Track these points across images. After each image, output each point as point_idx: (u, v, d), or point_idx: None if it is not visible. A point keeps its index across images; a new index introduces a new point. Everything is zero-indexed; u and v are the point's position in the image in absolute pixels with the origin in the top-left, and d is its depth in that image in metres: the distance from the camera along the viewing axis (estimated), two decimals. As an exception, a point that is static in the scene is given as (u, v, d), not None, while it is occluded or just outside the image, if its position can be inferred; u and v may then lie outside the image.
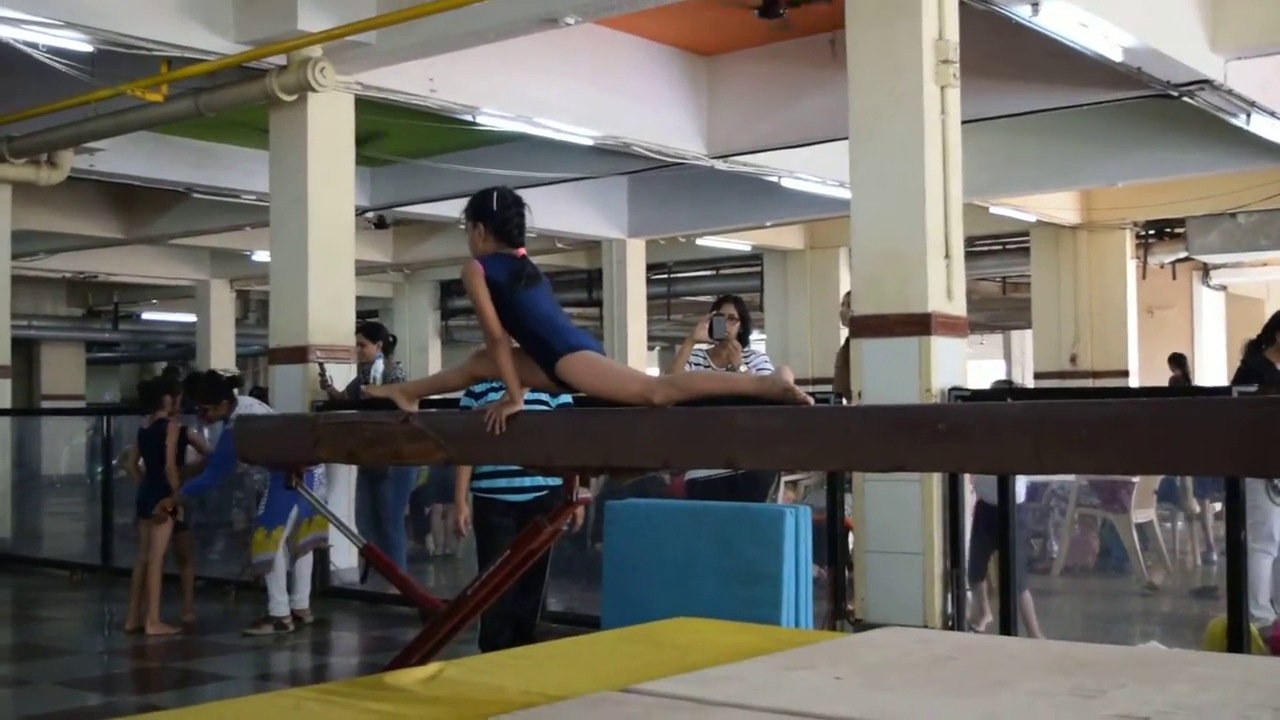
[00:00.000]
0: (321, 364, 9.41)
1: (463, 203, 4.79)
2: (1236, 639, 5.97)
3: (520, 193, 4.73)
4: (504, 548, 4.81)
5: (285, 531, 8.45)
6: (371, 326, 10.43)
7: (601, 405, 4.37)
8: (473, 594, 4.63)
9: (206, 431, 9.95)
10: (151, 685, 7.64)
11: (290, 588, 8.64)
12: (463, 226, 4.71)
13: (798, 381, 4.01)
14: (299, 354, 9.62)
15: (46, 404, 24.59)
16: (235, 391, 8.94)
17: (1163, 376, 16.31)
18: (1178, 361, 15.91)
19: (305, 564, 8.78)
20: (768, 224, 17.73)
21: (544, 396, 5.56)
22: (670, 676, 2.78)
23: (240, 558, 9.45)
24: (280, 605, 8.52)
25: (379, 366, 9.83)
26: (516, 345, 4.44)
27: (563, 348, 4.31)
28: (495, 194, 4.63)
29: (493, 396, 4.73)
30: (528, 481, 6.15)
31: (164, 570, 8.64)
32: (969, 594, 7.30)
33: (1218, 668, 2.80)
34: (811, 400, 4.05)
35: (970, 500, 7.34)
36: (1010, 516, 6.74)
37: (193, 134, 13.12)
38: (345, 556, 9.64)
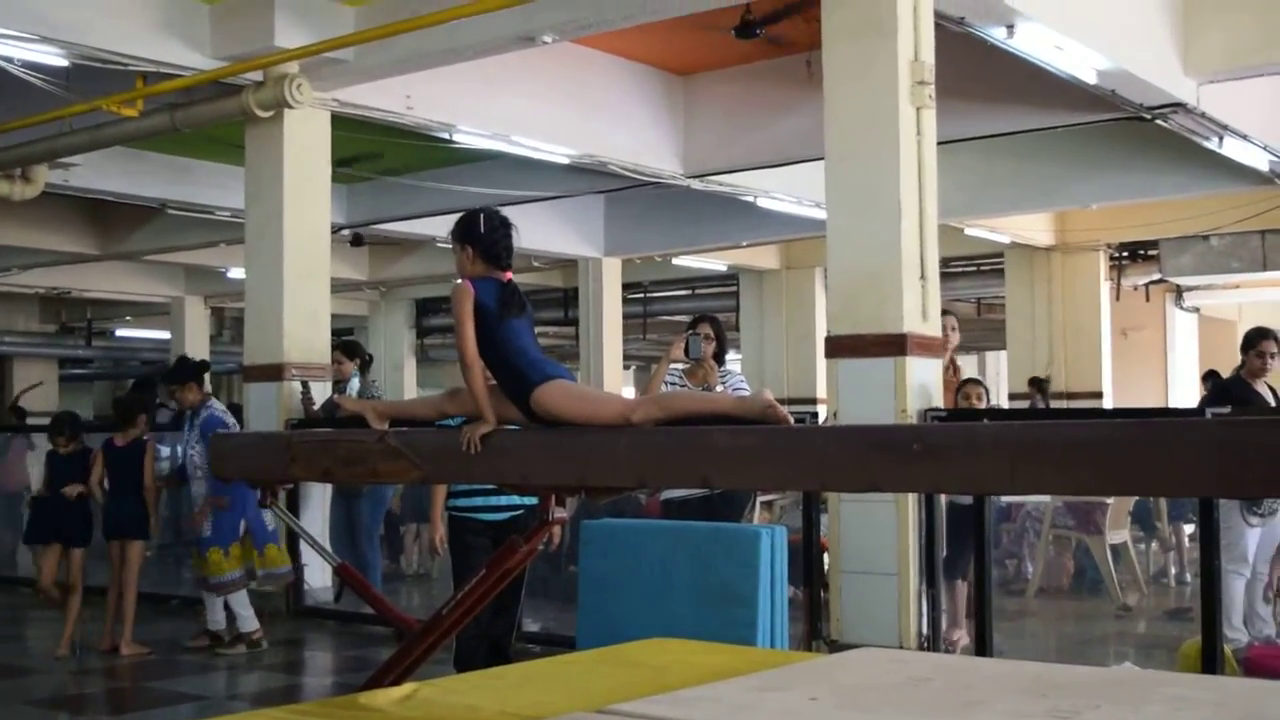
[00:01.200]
0: (304, 381, 9.36)
1: (438, 221, 4.81)
2: (1210, 660, 5.99)
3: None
4: (480, 567, 4.80)
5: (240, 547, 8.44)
6: (349, 344, 10.40)
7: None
8: (448, 614, 4.62)
9: (165, 450, 9.94)
10: (125, 705, 7.60)
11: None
12: (439, 244, 4.71)
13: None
14: (274, 372, 9.58)
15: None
16: (206, 378, 8.90)
17: (1139, 399, 16.35)
18: (1035, 384, 15.91)
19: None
20: (744, 244, 17.76)
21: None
22: (646, 697, 2.77)
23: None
24: (248, 621, 8.49)
25: (354, 385, 9.79)
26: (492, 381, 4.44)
27: (538, 378, 4.30)
28: (482, 215, 4.64)
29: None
30: (504, 501, 6.14)
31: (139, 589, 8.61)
32: (943, 595, 7.29)
33: (1192, 689, 2.81)
34: (791, 419, 4.06)
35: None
36: (985, 529, 6.74)
37: (168, 149, 13.08)
38: (319, 575, 9.60)
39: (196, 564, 8.66)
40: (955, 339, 8.05)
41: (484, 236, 4.59)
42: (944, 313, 7.75)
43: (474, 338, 4.38)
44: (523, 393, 4.31)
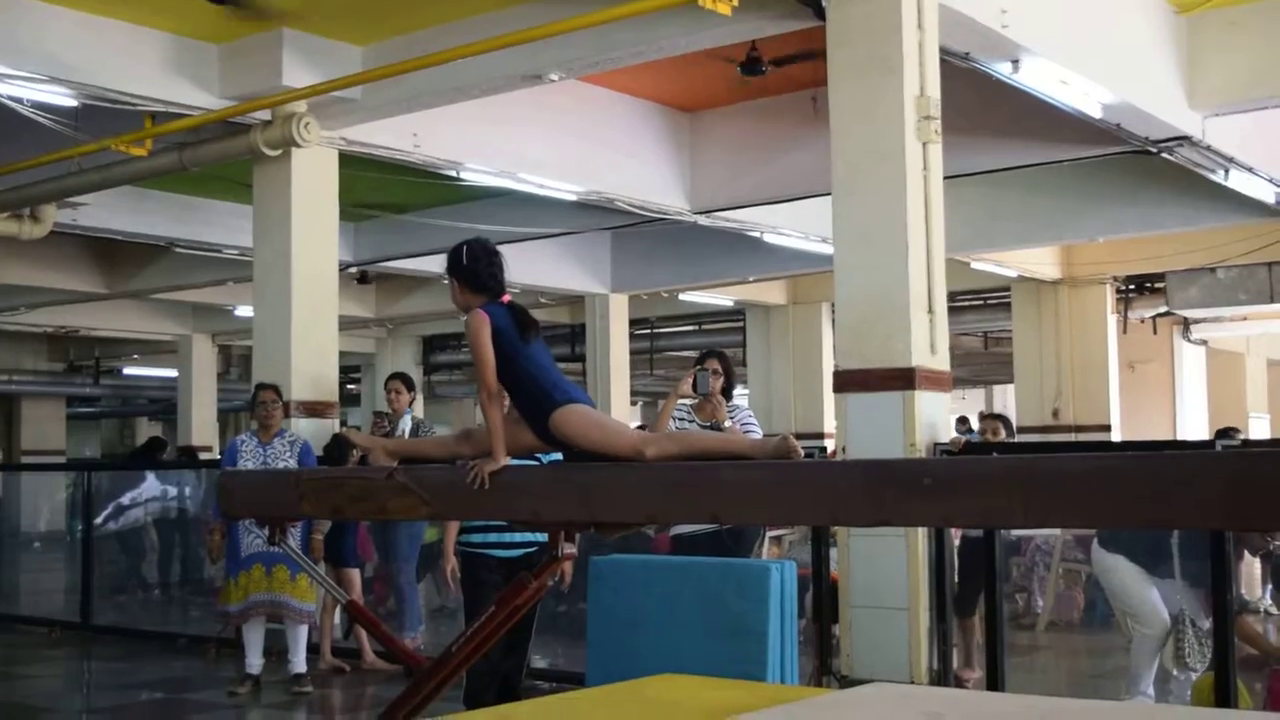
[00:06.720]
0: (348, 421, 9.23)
1: (445, 258, 4.74)
2: (1224, 695, 5.95)
3: (503, 247, 4.70)
4: (491, 604, 4.78)
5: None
6: (407, 376, 10.16)
7: (591, 459, 4.34)
8: (458, 650, 4.60)
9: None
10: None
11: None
12: (446, 280, 4.69)
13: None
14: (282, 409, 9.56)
15: (26, 459, 24.45)
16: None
17: (1147, 431, 16.26)
18: (1001, 421, 15.72)
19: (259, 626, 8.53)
20: (750, 279, 17.78)
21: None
22: (658, 734, 2.76)
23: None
24: (297, 662, 8.38)
25: (406, 422, 9.62)
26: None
27: (561, 399, 4.29)
28: (465, 248, 4.59)
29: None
30: (517, 537, 6.13)
31: None
32: (955, 631, 7.24)
33: (1207, 723, 2.79)
34: (802, 453, 4.05)
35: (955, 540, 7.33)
36: (995, 563, 6.72)
37: (176, 188, 13.12)
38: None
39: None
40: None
41: (466, 268, 4.55)
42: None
43: (495, 368, 4.34)
44: (543, 413, 4.29)
